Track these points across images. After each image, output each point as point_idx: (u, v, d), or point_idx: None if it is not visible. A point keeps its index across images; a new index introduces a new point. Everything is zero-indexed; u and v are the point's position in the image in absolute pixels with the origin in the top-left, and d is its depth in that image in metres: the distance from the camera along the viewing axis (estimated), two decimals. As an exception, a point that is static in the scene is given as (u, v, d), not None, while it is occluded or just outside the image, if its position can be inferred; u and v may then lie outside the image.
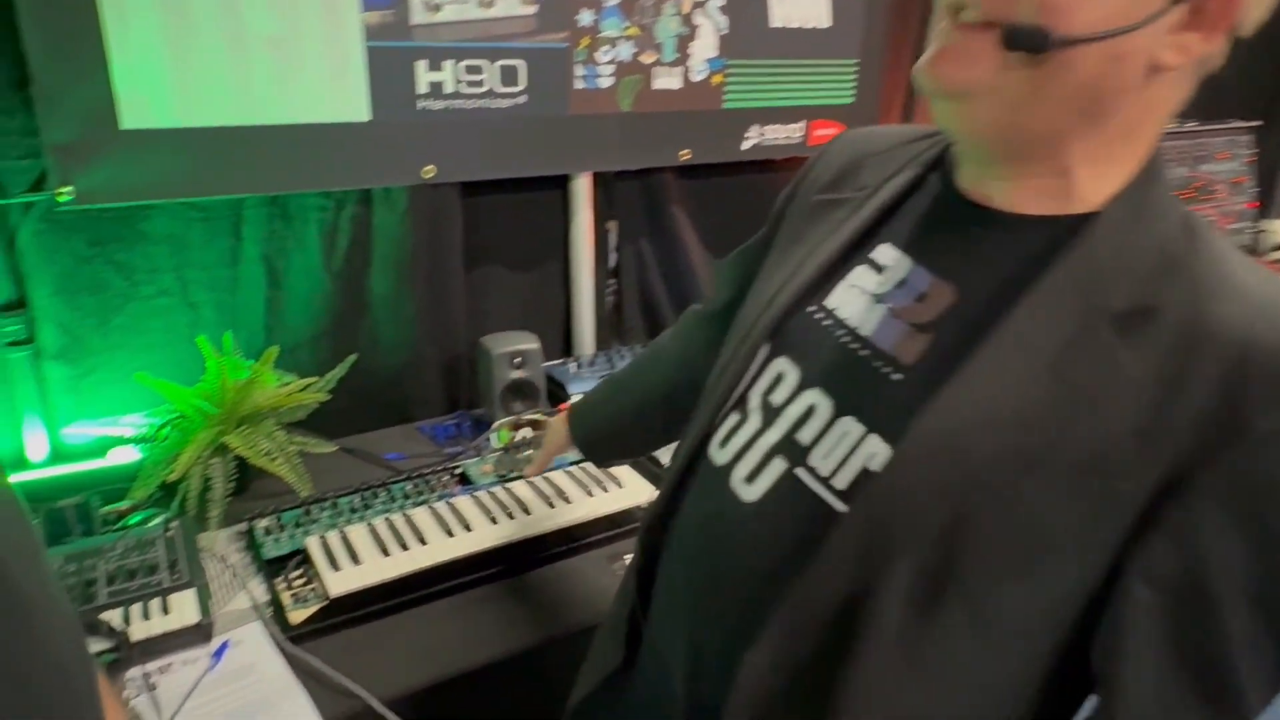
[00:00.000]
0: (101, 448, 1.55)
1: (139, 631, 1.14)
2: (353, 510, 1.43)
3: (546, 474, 1.52)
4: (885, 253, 0.69)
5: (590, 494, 1.46)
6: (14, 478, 1.51)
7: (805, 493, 0.65)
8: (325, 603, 1.22)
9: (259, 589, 1.29)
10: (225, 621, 1.22)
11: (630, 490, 1.47)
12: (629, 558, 0.88)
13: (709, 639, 0.72)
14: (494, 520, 1.37)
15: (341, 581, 1.23)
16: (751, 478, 0.69)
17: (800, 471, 0.66)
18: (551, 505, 1.42)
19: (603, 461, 1.32)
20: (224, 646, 1.17)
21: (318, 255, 1.70)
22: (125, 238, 1.53)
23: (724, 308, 0.92)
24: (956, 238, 0.65)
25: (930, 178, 0.70)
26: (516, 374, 1.75)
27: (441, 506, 1.42)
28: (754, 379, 0.72)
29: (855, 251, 0.71)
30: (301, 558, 1.32)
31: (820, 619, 0.62)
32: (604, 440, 1.15)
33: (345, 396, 1.64)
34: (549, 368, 1.91)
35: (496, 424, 1.71)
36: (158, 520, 1.40)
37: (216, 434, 1.45)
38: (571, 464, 1.55)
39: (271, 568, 1.32)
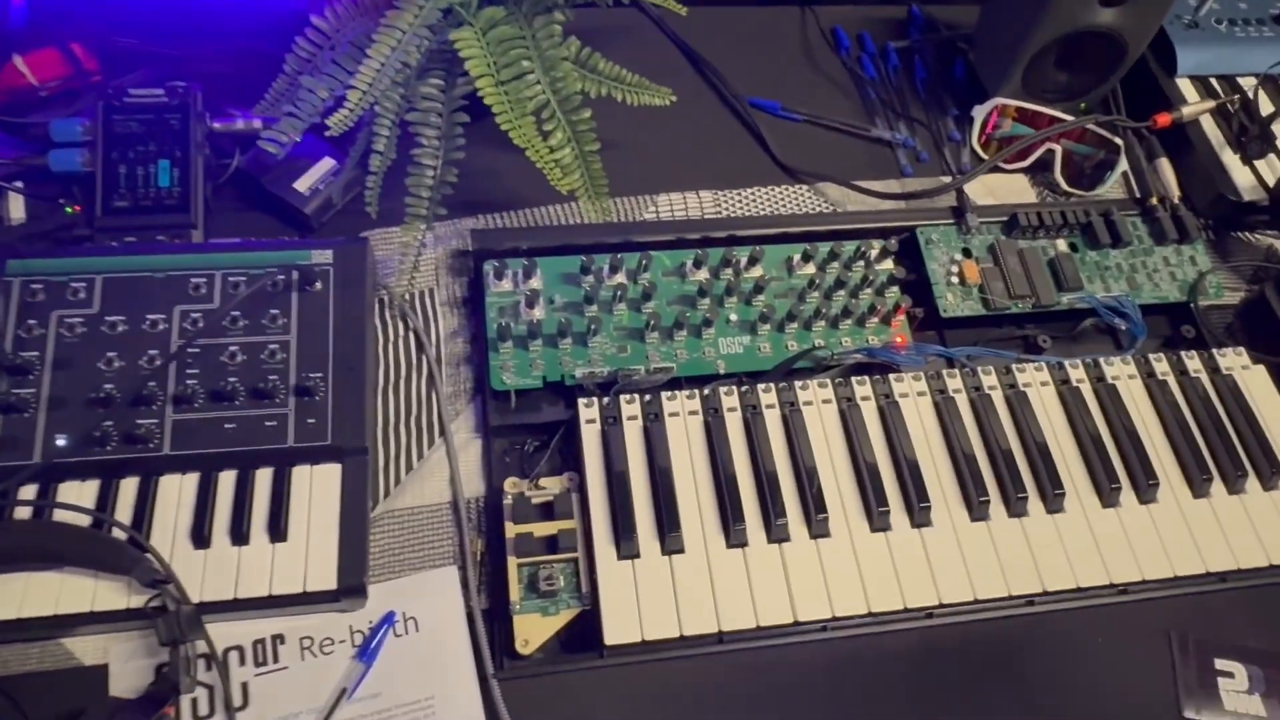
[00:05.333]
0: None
1: (210, 577, 0.53)
2: (682, 305, 0.65)
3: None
4: None
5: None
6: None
7: None
8: (582, 608, 0.55)
9: (470, 466, 0.62)
10: (397, 535, 0.59)
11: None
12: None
13: None
14: (976, 501, 0.59)
15: (626, 623, 0.54)
16: None
17: None
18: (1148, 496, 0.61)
19: None
20: (385, 623, 0.56)
21: None
22: None
23: None
24: None
25: None
26: None
27: (868, 399, 0.62)
28: None
29: None
30: (561, 436, 0.61)
31: None
32: None
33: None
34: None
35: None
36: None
37: (430, 16, 0.63)
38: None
39: (499, 407, 0.63)
